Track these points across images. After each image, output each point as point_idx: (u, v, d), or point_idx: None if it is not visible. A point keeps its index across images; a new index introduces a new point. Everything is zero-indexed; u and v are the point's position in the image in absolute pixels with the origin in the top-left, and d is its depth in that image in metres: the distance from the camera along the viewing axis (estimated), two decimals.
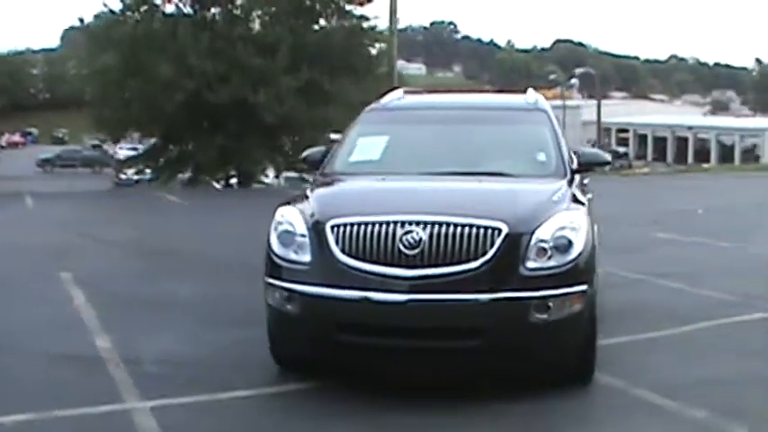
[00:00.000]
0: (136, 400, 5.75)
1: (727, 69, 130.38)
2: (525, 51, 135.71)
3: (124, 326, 7.70)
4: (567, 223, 5.84)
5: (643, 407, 5.79)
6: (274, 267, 5.97)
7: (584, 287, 5.79)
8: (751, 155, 64.07)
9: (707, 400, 5.79)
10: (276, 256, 5.97)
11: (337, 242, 5.70)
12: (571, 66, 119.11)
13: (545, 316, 5.61)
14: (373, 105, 7.63)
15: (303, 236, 5.88)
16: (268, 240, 6.11)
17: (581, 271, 5.79)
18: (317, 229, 5.83)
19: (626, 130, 75.78)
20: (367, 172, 6.74)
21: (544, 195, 6.23)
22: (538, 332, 5.66)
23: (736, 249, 12.61)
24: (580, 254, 5.78)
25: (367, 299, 5.57)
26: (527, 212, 5.88)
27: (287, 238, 5.95)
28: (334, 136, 21.46)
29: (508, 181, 6.57)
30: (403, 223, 5.63)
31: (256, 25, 24.53)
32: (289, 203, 6.32)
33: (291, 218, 6.04)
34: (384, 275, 5.58)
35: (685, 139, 71.14)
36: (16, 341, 7.20)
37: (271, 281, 5.96)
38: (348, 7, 24.83)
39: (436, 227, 5.60)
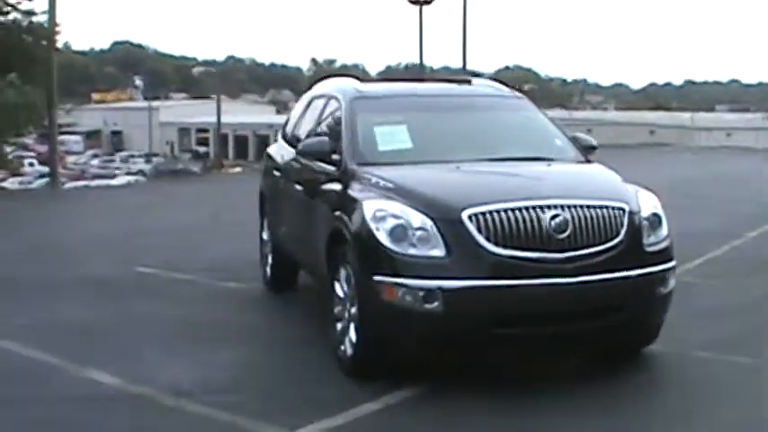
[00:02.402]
0: None
1: (283, 69, 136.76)
2: (83, 53, 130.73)
3: (97, 355, 6.49)
4: (650, 202, 6.05)
5: (702, 364, 6.25)
6: (392, 265, 5.44)
7: (674, 260, 6.04)
8: None
9: (732, 350, 6.47)
10: (393, 252, 5.45)
11: (480, 231, 5.37)
12: (130, 67, 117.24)
13: (663, 288, 5.82)
14: (354, 94, 7.12)
15: (422, 229, 5.45)
16: (370, 237, 5.55)
17: (672, 245, 6.03)
18: (447, 220, 5.44)
19: (206, 130, 76.31)
20: (416, 160, 6.35)
21: (615, 177, 6.34)
22: (660, 304, 5.89)
23: None
24: (668, 230, 6.02)
25: (520, 286, 5.36)
26: (629, 193, 6.00)
27: (401, 232, 5.46)
28: None
29: (565, 165, 6.59)
30: (544, 207, 5.48)
31: None
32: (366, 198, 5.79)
33: (399, 211, 5.55)
34: (539, 261, 5.38)
35: (266, 137, 73.32)
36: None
37: (394, 280, 5.41)
38: (11, 0, 22.30)
39: (575, 210, 5.54)
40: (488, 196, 5.55)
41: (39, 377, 6.09)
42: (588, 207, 5.60)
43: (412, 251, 5.42)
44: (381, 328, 5.59)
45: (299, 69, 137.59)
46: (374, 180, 6.00)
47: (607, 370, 6.11)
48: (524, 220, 5.41)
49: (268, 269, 8.74)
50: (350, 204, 5.95)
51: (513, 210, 5.43)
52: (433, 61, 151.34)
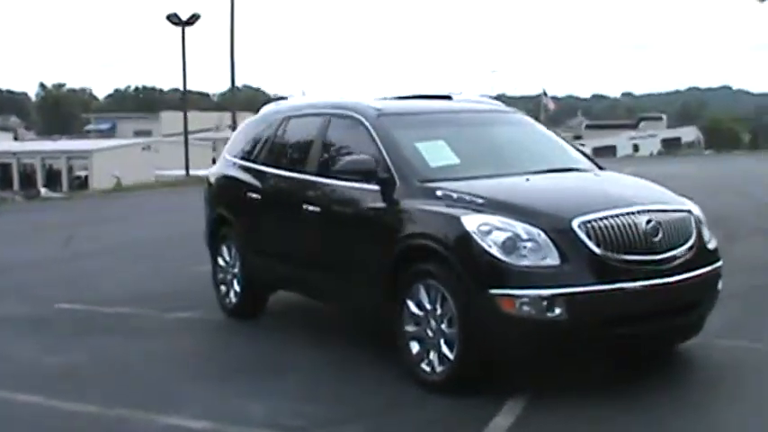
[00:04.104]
0: None
1: (9, 95, 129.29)
2: None
3: (139, 400, 6.00)
4: (694, 206, 6.46)
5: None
6: (508, 277, 5.47)
7: None
8: (78, 179, 64.72)
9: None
10: (508, 264, 5.47)
11: (590, 238, 5.53)
12: None
13: (719, 285, 6.22)
14: (376, 112, 6.93)
15: (532, 240, 5.52)
16: (480, 251, 5.55)
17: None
18: (558, 229, 5.55)
19: None
20: (476, 175, 6.34)
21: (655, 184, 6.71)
22: (716, 299, 6.26)
23: None
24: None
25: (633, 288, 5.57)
26: (681, 198, 6.38)
27: (512, 244, 5.51)
28: None
29: (607, 174, 6.87)
30: (637, 213, 5.75)
31: None
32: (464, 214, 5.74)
33: (501, 224, 5.59)
34: (643, 263, 5.63)
35: (9, 165, 69.18)
36: None
37: (512, 291, 5.44)
38: None
39: (661, 214, 5.86)
40: (591, 205, 5.73)
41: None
42: (668, 211, 5.96)
43: (525, 262, 5.47)
44: (497, 341, 5.59)
45: (25, 95, 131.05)
46: (455, 195, 5.95)
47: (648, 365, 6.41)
48: (625, 226, 5.64)
49: (232, 296, 8.38)
50: (436, 221, 5.89)
51: (615, 216, 5.65)
52: (165, 83, 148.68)
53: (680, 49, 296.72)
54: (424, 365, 5.94)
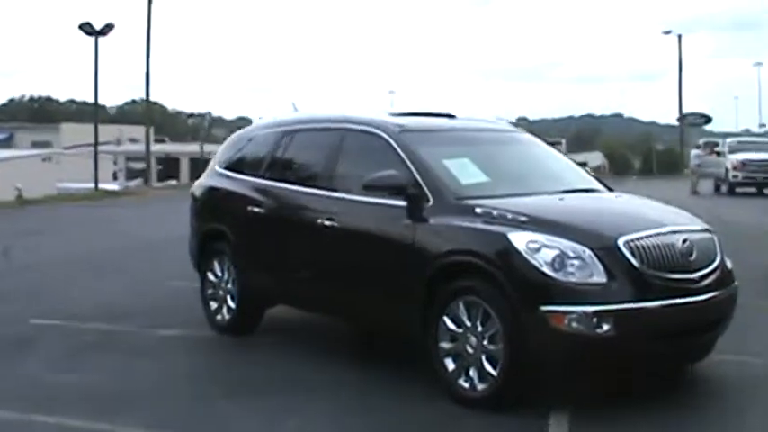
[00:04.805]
0: None
1: None
2: None
3: (185, 425, 5.88)
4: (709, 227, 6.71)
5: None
6: (558, 294, 5.58)
7: None
8: None
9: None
10: (559, 282, 5.58)
11: (634, 256, 5.69)
12: None
13: (736, 304, 6.47)
14: (399, 128, 6.94)
15: (579, 258, 5.64)
16: (530, 268, 5.64)
17: None
18: (605, 248, 5.69)
19: None
20: (508, 193, 6.45)
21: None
22: (731, 318, 6.46)
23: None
24: None
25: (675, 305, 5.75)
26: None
27: (561, 261, 5.63)
28: None
29: (625, 196, 7.09)
30: (672, 233, 5.98)
31: None
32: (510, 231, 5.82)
33: (549, 241, 5.70)
34: (682, 281, 5.84)
35: None
36: None
37: (563, 308, 5.53)
38: None
39: (692, 234, 6.12)
40: (630, 225, 5.94)
41: None
42: (696, 232, 6.22)
43: (573, 279, 5.59)
44: (545, 356, 5.67)
45: None
46: (496, 213, 6.03)
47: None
48: (665, 246, 5.85)
49: (225, 313, 8.24)
50: (480, 238, 5.94)
51: (655, 236, 5.86)
52: (61, 94, 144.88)
53: (573, 77, 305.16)
54: (461, 382, 5.97)
